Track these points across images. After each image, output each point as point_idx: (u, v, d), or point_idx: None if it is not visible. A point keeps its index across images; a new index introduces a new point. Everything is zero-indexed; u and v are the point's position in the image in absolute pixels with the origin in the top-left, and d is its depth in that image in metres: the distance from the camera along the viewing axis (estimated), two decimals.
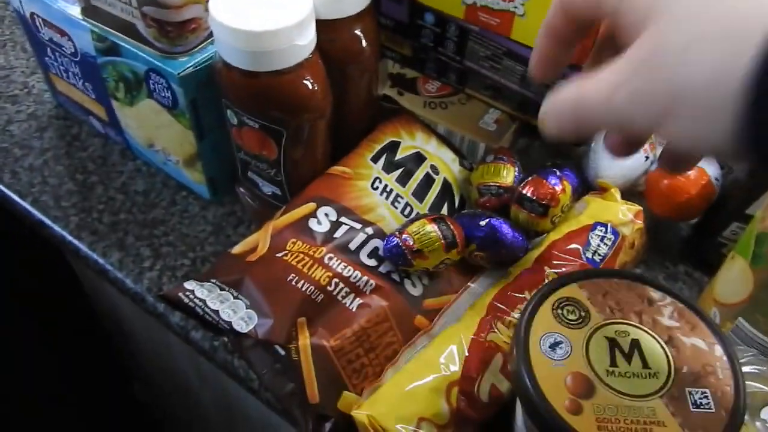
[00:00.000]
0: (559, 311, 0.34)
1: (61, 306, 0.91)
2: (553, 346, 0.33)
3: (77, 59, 0.53)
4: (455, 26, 0.50)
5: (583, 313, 0.34)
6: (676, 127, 0.24)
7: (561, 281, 0.36)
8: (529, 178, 0.48)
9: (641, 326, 0.33)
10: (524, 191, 0.47)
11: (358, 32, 0.47)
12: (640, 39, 0.25)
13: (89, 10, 0.48)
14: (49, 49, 0.55)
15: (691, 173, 0.49)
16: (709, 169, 0.50)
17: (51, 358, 0.96)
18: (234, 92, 0.44)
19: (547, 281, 0.43)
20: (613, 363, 0.32)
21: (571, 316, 0.34)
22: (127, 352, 0.84)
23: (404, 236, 0.44)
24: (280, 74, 0.42)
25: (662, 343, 0.33)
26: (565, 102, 0.27)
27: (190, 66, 0.47)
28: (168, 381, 0.78)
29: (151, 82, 0.48)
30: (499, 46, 0.49)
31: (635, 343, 0.33)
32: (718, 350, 0.32)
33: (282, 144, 0.46)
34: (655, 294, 0.35)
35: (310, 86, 0.44)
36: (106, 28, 0.48)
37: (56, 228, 0.55)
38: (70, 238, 0.55)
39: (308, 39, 0.42)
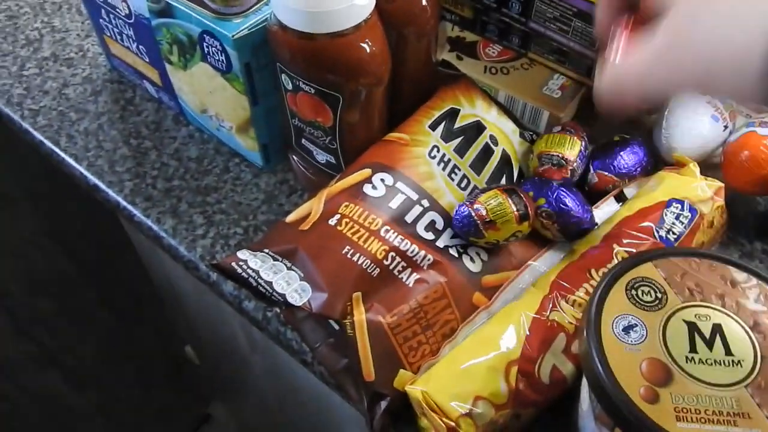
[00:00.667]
0: (634, 292, 0.32)
1: (116, 268, 0.92)
2: (627, 329, 0.31)
3: (131, 21, 0.52)
4: None
5: (659, 295, 0.32)
6: (712, 89, 0.32)
7: (636, 259, 0.33)
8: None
9: (724, 310, 0.31)
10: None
11: None
12: (670, 18, 0.29)
13: None
14: (103, 10, 0.55)
15: None
16: None
17: (106, 317, 0.98)
18: (289, 55, 0.43)
19: (616, 259, 0.40)
20: (693, 349, 0.30)
21: (646, 298, 0.32)
22: (180, 316, 0.85)
23: (476, 206, 0.42)
24: (337, 36, 0.40)
25: (747, 328, 0.30)
26: (617, 77, 0.32)
27: (245, 28, 0.45)
28: (219, 346, 0.79)
29: (204, 44, 0.47)
30: (569, 7, 0.46)
31: (717, 328, 0.30)
32: None
33: (338, 110, 0.45)
34: (739, 275, 0.32)
35: (369, 49, 0.42)
36: None
37: (111, 193, 0.55)
38: (124, 203, 0.55)
39: None
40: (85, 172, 0.57)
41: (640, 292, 0.32)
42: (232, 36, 0.45)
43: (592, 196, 0.48)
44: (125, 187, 0.55)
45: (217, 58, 0.47)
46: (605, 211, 0.47)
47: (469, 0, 0.51)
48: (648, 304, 0.31)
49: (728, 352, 0.30)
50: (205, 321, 0.75)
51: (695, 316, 0.31)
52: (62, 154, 0.58)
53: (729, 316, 0.31)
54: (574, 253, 0.43)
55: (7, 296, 0.81)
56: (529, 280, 0.44)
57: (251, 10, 0.46)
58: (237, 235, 0.52)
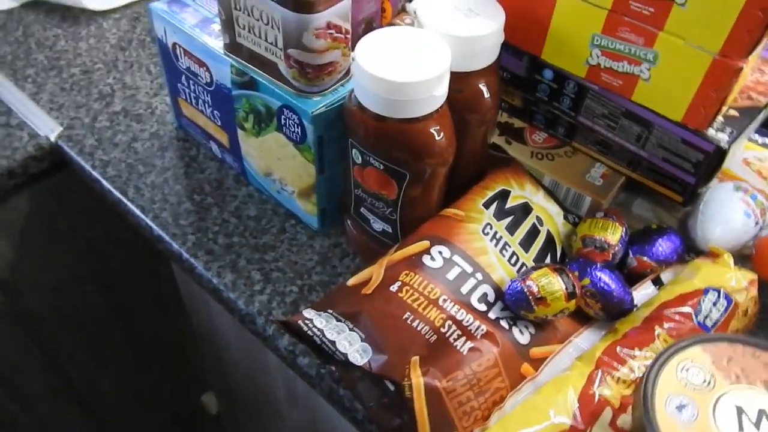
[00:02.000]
0: (684, 373, 0.35)
1: (151, 315, 0.95)
2: (680, 408, 0.34)
3: (211, 89, 0.57)
4: (574, 84, 0.52)
5: (708, 377, 0.35)
6: None
7: (685, 343, 0.36)
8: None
9: None
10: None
11: (483, 85, 0.49)
12: None
13: (233, 47, 0.52)
14: (183, 76, 0.59)
15: None
16: None
17: (131, 361, 1.00)
18: (364, 134, 0.47)
19: (658, 341, 0.43)
20: (741, 430, 0.33)
21: (696, 380, 0.35)
22: (213, 366, 0.87)
23: (528, 283, 0.45)
24: (413, 121, 0.45)
25: None
26: None
27: (323, 105, 0.49)
28: (251, 397, 0.81)
29: (283, 117, 0.51)
30: (618, 107, 0.50)
31: (762, 412, 0.33)
32: None
33: (403, 185, 0.49)
34: None
35: (439, 134, 0.46)
36: (247, 64, 0.52)
37: (174, 245, 0.59)
38: (186, 255, 0.58)
39: (443, 90, 0.45)
40: (151, 223, 0.60)
41: (690, 374, 0.35)
42: (312, 112, 0.49)
43: (631, 278, 0.51)
44: (188, 240, 0.59)
45: (292, 129, 0.51)
46: (643, 293, 0.50)
47: (523, 93, 0.56)
48: (698, 386, 0.35)
49: None
50: (243, 373, 0.78)
51: (742, 399, 0.34)
52: (130, 205, 0.62)
53: None
54: (617, 332, 0.46)
55: (43, 325, 0.84)
56: (573, 354, 0.47)
57: (329, 91, 0.50)
58: (293, 293, 0.55)
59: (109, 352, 0.96)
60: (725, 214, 0.52)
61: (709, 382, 0.35)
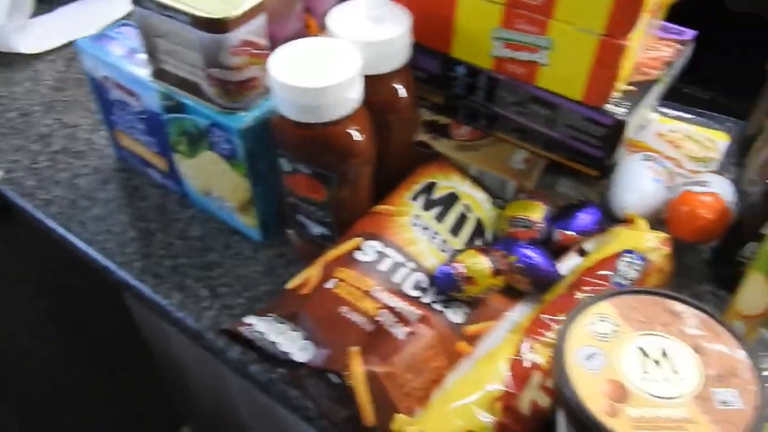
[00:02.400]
0: (593, 326, 0.38)
1: (118, 350, 0.95)
2: (589, 357, 0.36)
3: (144, 117, 0.59)
4: (485, 76, 0.55)
5: (614, 327, 0.38)
6: None
7: (593, 300, 0.39)
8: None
9: (669, 336, 0.37)
10: None
11: (397, 85, 0.52)
12: None
13: (159, 73, 0.54)
14: (115, 108, 0.61)
15: (708, 199, 0.53)
16: (726, 195, 0.54)
17: (105, 396, 1.00)
18: (289, 142, 0.49)
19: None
20: (645, 370, 0.36)
21: (603, 330, 0.38)
22: (179, 392, 0.88)
23: (455, 265, 0.48)
24: (332, 124, 0.47)
25: (689, 350, 0.36)
26: None
27: (249, 120, 0.52)
28: (222, 420, 0.82)
29: (212, 135, 0.54)
30: (526, 93, 0.53)
31: (664, 352, 0.36)
32: (741, 354, 0.36)
33: (331, 188, 0.51)
34: (680, 307, 0.39)
35: (358, 134, 0.49)
36: (172, 88, 0.54)
37: (121, 273, 0.60)
38: (134, 282, 0.59)
39: (357, 93, 0.48)
40: (97, 255, 0.62)
41: (598, 327, 0.38)
42: (239, 128, 0.51)
43: (557, 252, 0.54)
44: (135, 267, 0.60)
45: (223, 146, 0.54)
46: (569, 264, 0.53)
47: (443, 90, 0.59)
48: (605, 336, 0.37)
49: (674, 371, 0.35)
50: (206, 395, 0.79)
51: (645, 342, 0.37)
52: (74, 239, 0.63)
53: (673, 340, 0.37)
54: (544, 302, 0.49)
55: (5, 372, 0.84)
56: (507, 327, 0.49)
57: (253, 106, 0.53)
58: (240, 305, 0.57)
59: (73, 389, 0.96)
60: (636, 182, 0.55)
61: (615, 332, 0.37)
